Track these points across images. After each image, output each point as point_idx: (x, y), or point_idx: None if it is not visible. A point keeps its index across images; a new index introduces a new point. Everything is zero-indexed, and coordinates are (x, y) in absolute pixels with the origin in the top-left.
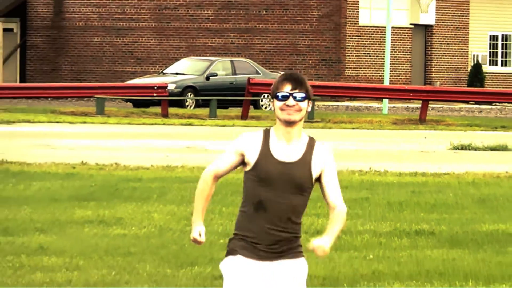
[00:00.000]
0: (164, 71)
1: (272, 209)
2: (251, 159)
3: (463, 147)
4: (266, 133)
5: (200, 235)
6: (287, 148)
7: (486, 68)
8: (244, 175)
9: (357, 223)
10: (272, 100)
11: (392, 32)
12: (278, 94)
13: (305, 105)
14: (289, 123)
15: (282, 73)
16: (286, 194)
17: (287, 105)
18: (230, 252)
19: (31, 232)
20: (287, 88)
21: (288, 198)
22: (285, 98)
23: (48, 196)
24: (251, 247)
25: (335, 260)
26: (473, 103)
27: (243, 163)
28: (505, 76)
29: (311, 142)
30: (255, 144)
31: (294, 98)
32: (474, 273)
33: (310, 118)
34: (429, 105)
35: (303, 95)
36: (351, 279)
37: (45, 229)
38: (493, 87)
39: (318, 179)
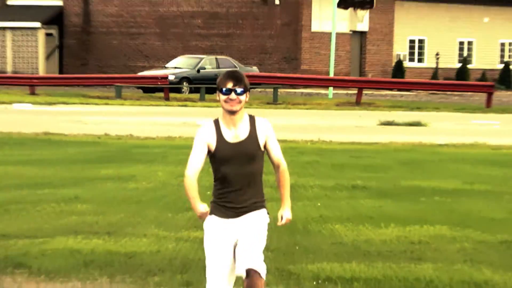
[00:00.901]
0: (166, 66)
1: (234, 181)
2: (212, 147)
3: (388, 123)
4: (216, 123)
5: (205, 208)
6: (235, 131)
7: (406, 64)
8: (209, 159)
9: (309, 180)
10: (218, 92)
11: (336, 37)
12: (222, 88)
13: (244, 97)
14: (232, 113)
15: (228, 71)
16: (243, 166)
17: (230, 99)
18: (209, 213)
19: (68, 186)
20: (229, 85)
21: (245, 169)
22: (228, 92)
23: (80, 159)
24: (223, 209)
25: (292, 207)
26: (396, 90)
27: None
28: (420, 70)
29: (252, 119)
30: (211, 134)
31: (235, 92)
32: (395, 217)
33: (274, 101)
34: (363, 92)
35: (242, 89)
36: (304, 221)
37: (78, 183)
38: (411, 78)
39: (264, 145)
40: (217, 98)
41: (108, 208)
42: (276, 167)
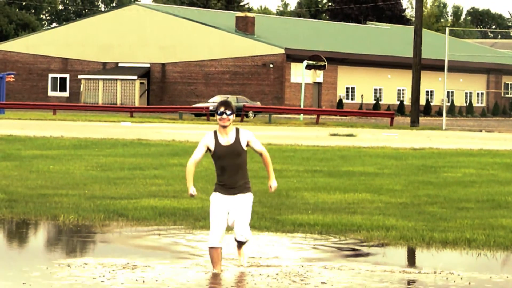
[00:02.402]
0: (208, 101)
1: (228, 170)
2: (211, 148)
3: (334, 134)
4: (215, 133)
5: (193, 191)
6: (227, 138)
7: (344, 101)
8: (212, 157)
9: (289, 166)
10: (215, 114)
11: (304, 85)
12: (218, 112)
13: (232, 117)
14: (224, 127)
15: (221, 100)
16: (233, 160)
17: (222, 118)
18: (214, 190)
19: (151, 169)
20: (222, 109)
21: (235, 162)
22: (221, 114)
23: (158, 153)
24: (223, 188)
25: (278, 182)
26: (339, 116)
27: (208, 150)
28: (352, 104)
29: (237, 130)
30: (211, 140)
31: (226, 114)
32: (338, 188)
33: (269, 122)
34: (320, 117)
35: (230, 112)
36: (286, 190)
37: (157, 167)
38: (347, 109)
39: (248, 145)
40: (215, 117)
41: (174, 182)
42: (260, 155)
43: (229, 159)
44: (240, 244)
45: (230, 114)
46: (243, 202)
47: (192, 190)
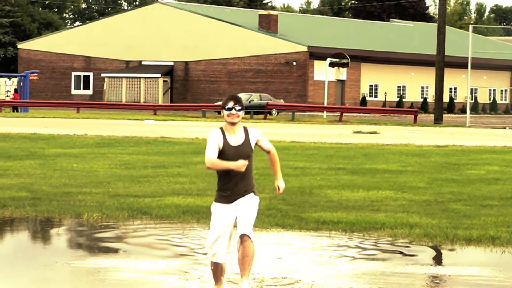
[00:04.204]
0: None
1: (234, 175)
2: (220, 146)
3: (357, 132)
4: (222, 130)
5: (241, 161)
6: (235, 137)
7: (367, 98)
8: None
9: (312, 164)
10: (222, 110)
11: (327, 83)
12: (226, 107)
13: (241, 113)
14: (232, 124)
15: (230, 94)
16: None
17: (231, 114)
18: (215, 200)
19: (174, 167)
20: (230, 104)
21: None
22: (229, 109)
23: (181, 151)
24: (224, 197)
25: (302, 180)
26: (362, 113)
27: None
28: (376, 102)
29: (246, 129)
30: (220, 137)
31: (235, 109)
32: (362, 185)
33: (292, 119)
34: (343, 114)
35: (240, 107)
36: (310, 188)
37: (180, 165)
38: (370, 107)
39: (256, 145)
40: (222, 114)
41: (198, 180)
42: (268, 153)
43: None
44: (243, 244)
45: (239, 110)
46: (248, 201)
47: (239, 161)
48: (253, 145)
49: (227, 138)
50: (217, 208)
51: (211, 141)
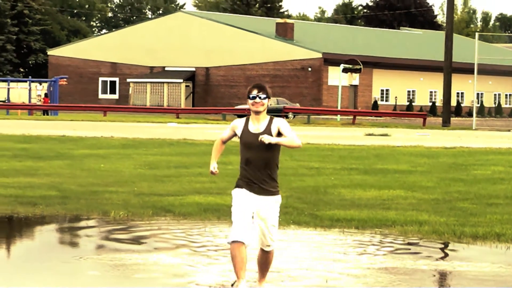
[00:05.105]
0: None
1: (254, 163)
2: (238, 133)
3: (369, 134)
4: (247, 119)
5: (214, 168)
6: (257, 125)
7: (379, 102)
8: (239, 145)
9: (326, 164)
10: (247, 99)
11: (341, 88)
12: (250, 95)
13: (266, 101)
14: (257, 113)
15: (254, 83)
16: (260, 153)
17: (256, 102)
18: (236, 186)
19: (195, 167)
20: (255, 92)
21: (262, 155)
22: (253, 98)
23: (203, 152)
24: (246, 184)
25: (317, 180)
26: (374, 116)
27: (235, 135)
28: (387, 106)
29: (271, 118)
30: (240, 124)
31: (260, 97)
32: (373, 185)
33: (308, 122)
34: (356, 117)
35: (265, 96)
36: (324, 187)
37: (201, 166)
38: (381, 110)
39: (278, 132)
40: (247, 103)
41: (218, 179)
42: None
43: (255, 151)
44: (263, 253)
45: (264, 98)
46: (270, 208)
47: (212, 166)
48: (274, 133)
49: (248, 125)
50: (237, 192)
51: (228, 126)
